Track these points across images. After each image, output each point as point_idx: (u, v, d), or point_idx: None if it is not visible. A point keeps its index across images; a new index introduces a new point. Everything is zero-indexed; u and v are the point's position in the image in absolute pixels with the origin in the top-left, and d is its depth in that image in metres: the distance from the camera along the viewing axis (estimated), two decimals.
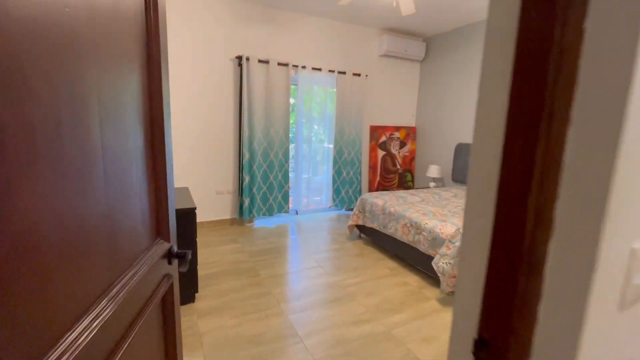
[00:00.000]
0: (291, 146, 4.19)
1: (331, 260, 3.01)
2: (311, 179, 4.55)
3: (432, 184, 4.50)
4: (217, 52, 3.64)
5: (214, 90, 3.70)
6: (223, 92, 3.75)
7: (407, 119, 5.09)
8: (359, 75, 4.39)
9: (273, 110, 3.89)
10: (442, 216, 2.77)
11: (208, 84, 3.66)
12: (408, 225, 2.79)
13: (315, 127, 4.51)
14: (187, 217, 2.14)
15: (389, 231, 3.02)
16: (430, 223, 2.61)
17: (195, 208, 2.16)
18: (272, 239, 3.53)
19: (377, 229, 3.20)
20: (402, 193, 3.65)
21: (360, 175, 4.63)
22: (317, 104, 4.41)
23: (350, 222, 3.50)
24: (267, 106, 3.87)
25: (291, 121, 4.16)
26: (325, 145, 4.61)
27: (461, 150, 4.28)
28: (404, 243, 2.87)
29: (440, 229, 2.50)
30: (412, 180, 5.18)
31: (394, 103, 4.94)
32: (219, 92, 3.73)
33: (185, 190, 2.60)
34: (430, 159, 4.89)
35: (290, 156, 4.20)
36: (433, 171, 4.45)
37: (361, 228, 3.53)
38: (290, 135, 4.13)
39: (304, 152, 4.39)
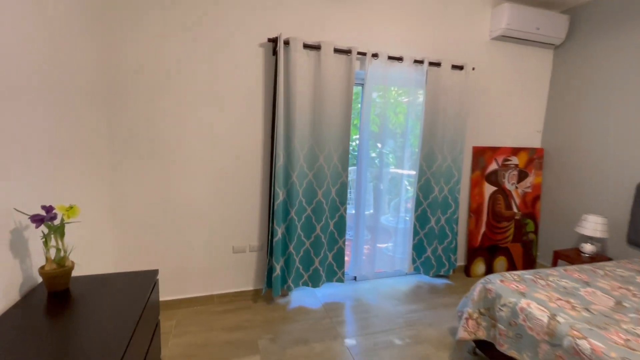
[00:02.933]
0: (350, 169, 2.68)
1: None
2: (375, 216, 2.96)
3: (587, 247, 2.65)
4: (238, 32, 2.32)
5: (231, 94, 2.36)
6: (246, 97, 2.40)
7: (528, 137, 3.31)
8: (460, 68, 2.78)
9: (324, 123, 2.45)
10: None
11: (221, 83, 2.33)
12: None
13: (379, 145, 2.95)
14: None
15: None
16: None
17: None
18: (315, 346, 2.03)
19: None
20: (563, 279, 1.91)
21: (457, 223, 2.96)
22: (392, 113, 2.87)
23: (462, 334, 1.86)
24: (316, 117, 2.44)
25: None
26: (392, 170, 3.01)
27: None
28: None
29: None
30: (536, 232, 3.33)
31: (512, 112, 3.20)
32: (238, 96, 2.38)
33: (141, 286, 1.23)
34: (573, 201, 3.03)
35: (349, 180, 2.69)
36: (591, 225, 2.61)
37: (479, 342, 1.88)
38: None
39: (367, 180, 2.85)
